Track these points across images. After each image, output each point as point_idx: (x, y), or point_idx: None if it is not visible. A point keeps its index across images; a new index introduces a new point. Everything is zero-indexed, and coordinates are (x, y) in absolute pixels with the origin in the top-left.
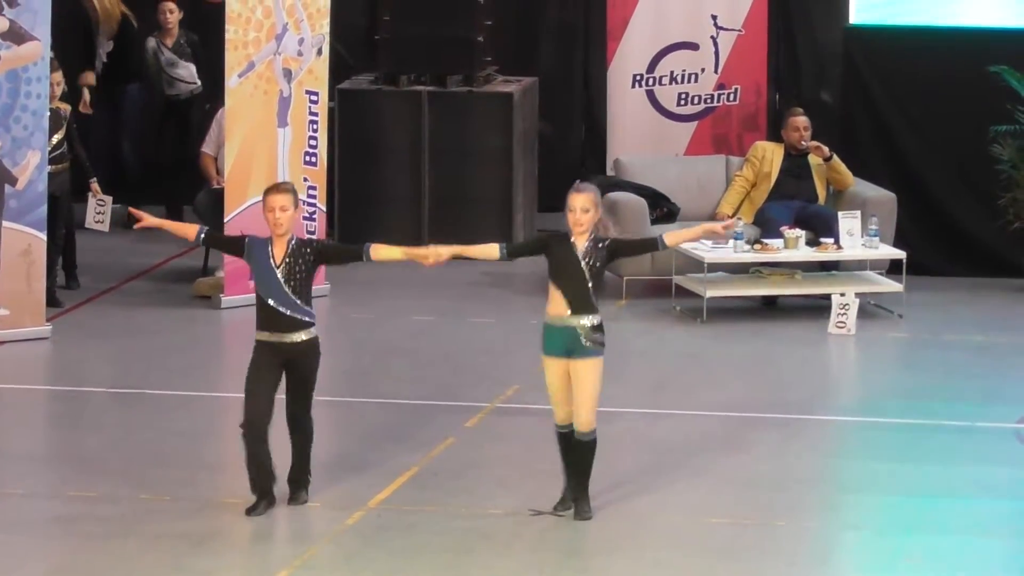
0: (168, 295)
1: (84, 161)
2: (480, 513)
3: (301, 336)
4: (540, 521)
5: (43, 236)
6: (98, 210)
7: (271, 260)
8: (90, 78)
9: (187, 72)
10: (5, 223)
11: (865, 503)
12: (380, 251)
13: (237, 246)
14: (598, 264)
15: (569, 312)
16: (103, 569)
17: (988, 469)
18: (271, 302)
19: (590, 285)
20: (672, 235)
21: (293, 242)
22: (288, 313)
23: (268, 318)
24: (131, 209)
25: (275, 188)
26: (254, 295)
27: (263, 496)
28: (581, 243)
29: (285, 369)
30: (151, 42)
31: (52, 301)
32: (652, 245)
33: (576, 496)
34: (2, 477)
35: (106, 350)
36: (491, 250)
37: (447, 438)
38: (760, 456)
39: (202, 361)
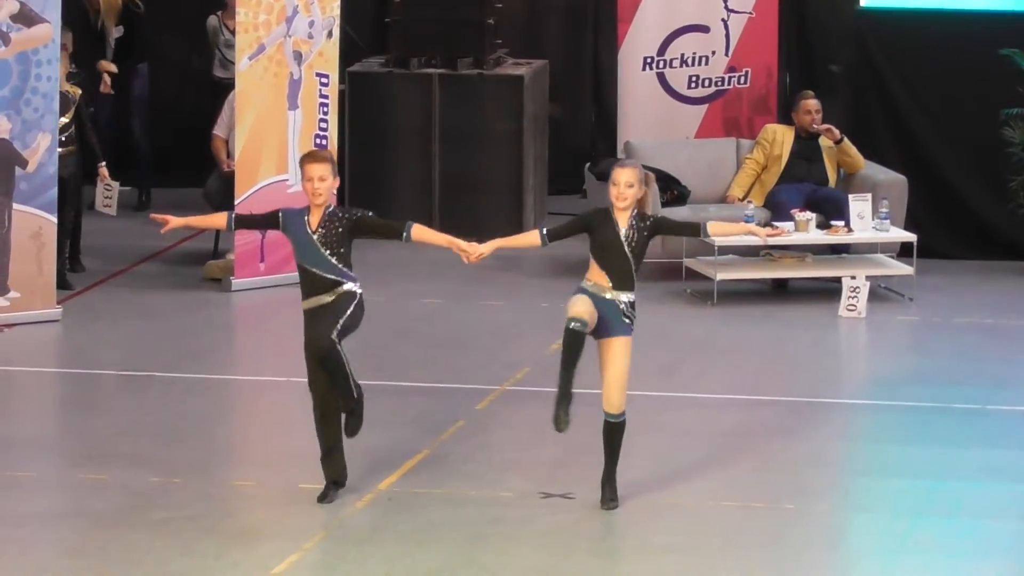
0: (179, 278)
1: (95, 146)
2: (490, 496)
3: (342, 290)
4: (550, 504)
5: (54, 219)
6: (106, 194)
7: (308, 228)
8: (109, 65)
9: None
10: (16, 206)
11: (875, 486)
12: (423, 232)
13: (272, 220)
14: (640, 241)
15: (611, 286)
16: (113, 552)
17: (998, 452)
18: (314, 269)
19: (631, 260)
20: (716, 226)
21: (329, 209)
22: (332, 277)
23: (312, 284)
24: (153, 215)
25: (313, 157)
26: (267, 277)
27: (333, 483)
28: (623, 219)
29: None
30: (212, 20)
31: (63, 284)
32: (695, 230)
33: (604, 481)
34: (13, 460)
35: (116, 333)
36: (531, 238)
37: (457, 421)
38: (770, 439)
39: (212, 344)
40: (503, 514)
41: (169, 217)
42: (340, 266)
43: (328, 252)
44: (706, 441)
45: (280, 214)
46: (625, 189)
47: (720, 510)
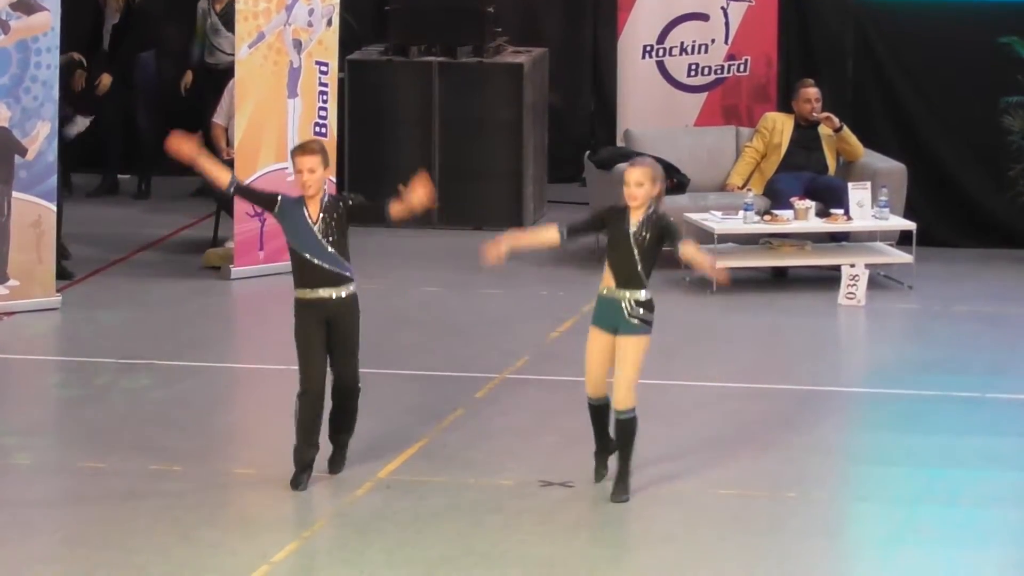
0: (178, 266)
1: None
2: (489, 484)
3: (343, 292)
4: (549, 492)
5: (53, 207)
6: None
7: (307, 218)
8: (105, 80)
9: (227, 42)
10: (15, 194)
11: (874, 474)
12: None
13: (269, 202)
14: (649, 240)
15: (615, 285)
16: (112, 540)
17: (997, 440)
18: (313, 259)
19: (637, 259)
20: (688, 249)
21: (326, 198)
22: (329, 268)
23: (309, 274)
24: (170, 141)
25: (303, 149)
26: (266, 265)
27: (305, 468)
28: (636, 217)
29: (328, 328)
30: (203, 2)
31: (63, 274)
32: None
33: (617, 476)
34: (12, 448)
35: (116, 321)
36: (549, 235)
37: (456, 409)
38: (769, 427)
39: (212, 332)
40: (502, 502)
41: (185, 144)
42: (339, 256)
43: (329, 242)
44: (705, 429)
45: (279, 199)
46: (635, 188)
47: (720, 498)
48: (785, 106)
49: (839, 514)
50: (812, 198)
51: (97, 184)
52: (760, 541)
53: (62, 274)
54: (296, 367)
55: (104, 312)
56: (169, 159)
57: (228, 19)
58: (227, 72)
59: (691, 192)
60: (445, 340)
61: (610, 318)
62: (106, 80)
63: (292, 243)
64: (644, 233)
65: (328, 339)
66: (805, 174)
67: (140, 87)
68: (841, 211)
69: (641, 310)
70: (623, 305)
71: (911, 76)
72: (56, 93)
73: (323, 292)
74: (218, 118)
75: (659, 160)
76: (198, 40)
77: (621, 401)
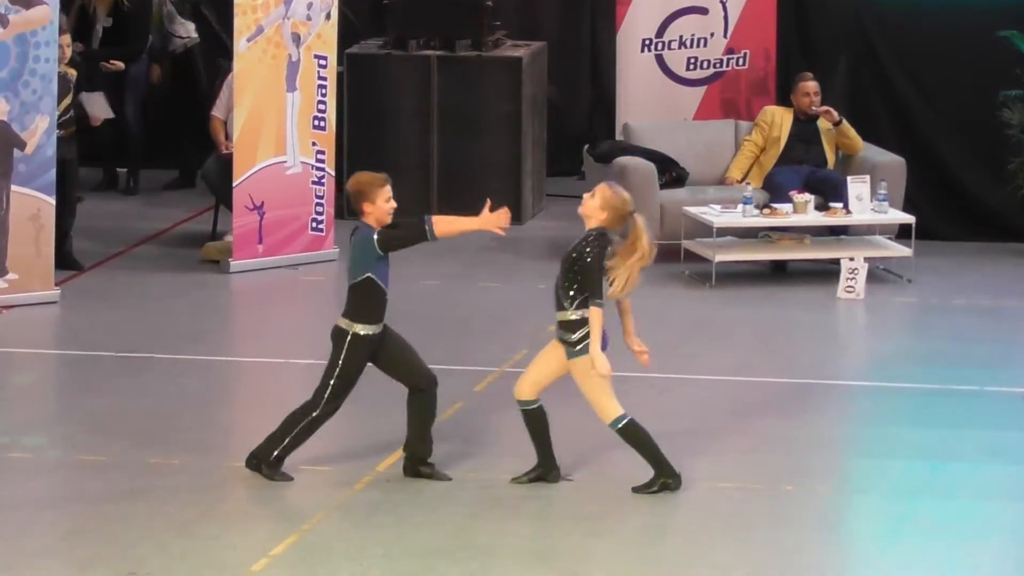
0: (176, 259)
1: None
2: (488, 478)
3: None
4: (548, 486)
5: (52, 201)
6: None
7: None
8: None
9: (183, 28)
10: (14, 188)
11: (873, 467)
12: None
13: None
14: (567, 258)
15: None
16: (111, 533)
17: (996, 434)
18: (387, 292)
19: (561, 277)
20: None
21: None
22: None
23: (382, 308)
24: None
25: (388, 177)
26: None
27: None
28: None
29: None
30: None
31: (72, 264)
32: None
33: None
34: (11, 442)
35: (115, 314)
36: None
37: (456, 403)
38: (768, 421)
39: (211, 325)
40: (501, 495)
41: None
42: None
43: None
44: (704, 423)
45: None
46: (588, 196)
47: (718, 492)
48: (784, 100)
49: (838, 507)
50: (811, 192)
51: (99, 179)
52: (759, 534)
53: (72, 266)
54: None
55: (103, 306)
56: (165, 154)
57: (182, 6)
58: (187, 56)
59: (690, 186)
60: (444, 333)
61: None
62: (119, 66)
63: (379, 278)
64: (571, 250)
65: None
66: (804, 168)
67: (131, 82)
68: (840, 205)
69: (565, 334)
70: (556, 331)
71: (910, 70)
72: (55, 87)
73: (381, 326)
74: (217, 111)
75: (658, 154)
76: (155, 28)
77: (604, 419)
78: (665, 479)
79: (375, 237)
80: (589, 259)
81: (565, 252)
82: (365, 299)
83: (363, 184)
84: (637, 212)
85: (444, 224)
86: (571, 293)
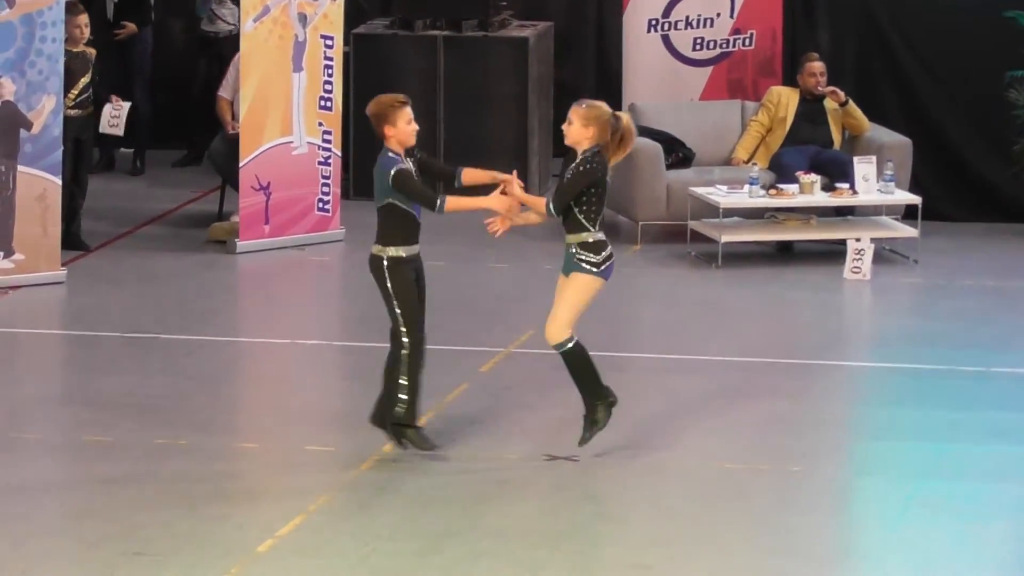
0: (183, 240)
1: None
2: (494, 459)
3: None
4: (554, 467)
5: (58, 181)
6: (113, 114)
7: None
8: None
9: (230, 13)
10: (20, 168)
11: (879, 448)
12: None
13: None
14: (566, 177)
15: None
16: (118, 513)
17: (1003, 415)
18: (416, 214)
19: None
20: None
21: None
22: (419, 222)
23: (413, 230)
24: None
25: (406, 99)
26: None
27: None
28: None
29: (416, 280)
30: None
31: (79, 244)
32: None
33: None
34: (18, 422)
35: (121, 295)
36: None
37: (462, 383)
38: (775, 402)
39: (217, 306)
40: (508, 476)
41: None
42: None
43: None
44: (711, 403)
45: (407, 169)
46: (564, 126)
47: (726, 472)
48: (790, 80)
49: (844, 488)
50: (817, 172)
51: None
52: (765, 515)
53: (79, 246)
54: (311, 341)
55: (109, 286)
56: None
57: None
58: (225, 41)
59: (696, 166)
60: (450, 315)
61: (564, 265)
62: (131, 28)
63: (401, 203)
64: (564, 173)
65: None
66: (810, 148)
67: (137, 63)
68: (846, 185)
69: (583, 252)
70: (568, 250)
71: (916, 50)
72: (61, 67)
73: (417, 247)
74: (223, 92)
75: (665, 134)
76: (198, 7)
77: (548, 336)
78: (603, 402)
79: (391, 173)
80: (586, 167)
81: (568, 173)
82: (392, 222)
83: (383, 106)
84: (619, 112)
85: (455, 203)
86: (592, 214)
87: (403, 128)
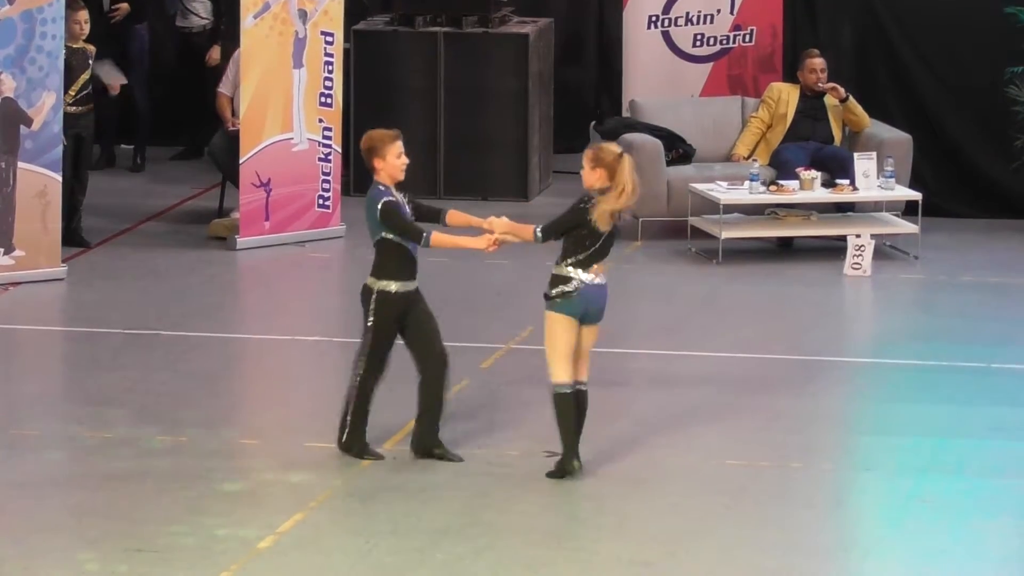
0: (183, 236)
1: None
2: (495, 455)
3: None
4: (554, 463)
5: (58, 177)
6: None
7: (408, 209)
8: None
9: (202, 7)
10: (21, 164)
11: (880, 444)
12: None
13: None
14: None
15: None
16: (119, 510)
17: (1003, 410)
18: (413, 251)
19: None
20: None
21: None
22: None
23: (410, 266)
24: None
25: (398, 133)
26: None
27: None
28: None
29: (403, 317)
30: None
31: (80, 241)
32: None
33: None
34: (19, 418)
35: (121, 291)
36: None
37: (462, 380)
38: (775, 398)
39: (218, 302)
40: (507, 472)
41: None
42: None
43: None
44: (711, 400)
45: (400, 203)
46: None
47: (726, 468)
48: (791, 76)
49: (845, 484)
50: (818, 168)
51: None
52: (766, 511)
53: (78, 241)
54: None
55: (109, 282)
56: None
57: None
58: (200, 36)
59: (696, 163)
60: (450, 311)
61: None
62: (124, 8)
63: (395, 237)
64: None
65: (410, 328)
66: (811, 144)
67: (134, 59)
68: (847, 181)
69: (549, 288)
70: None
71: (917, 46)
72: (61, 64)
73: (412, 283)
74: (224, 88)
75: (665, 130)
76: (168, 5)
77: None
78: (573, 459)
79: (379, 207)
80: (579, 206)
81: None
82: (387, 256)
83: (374, 140)
84: (626, 154)
85: (440, 239)
86: (573, 249)
87: (392, 162)
